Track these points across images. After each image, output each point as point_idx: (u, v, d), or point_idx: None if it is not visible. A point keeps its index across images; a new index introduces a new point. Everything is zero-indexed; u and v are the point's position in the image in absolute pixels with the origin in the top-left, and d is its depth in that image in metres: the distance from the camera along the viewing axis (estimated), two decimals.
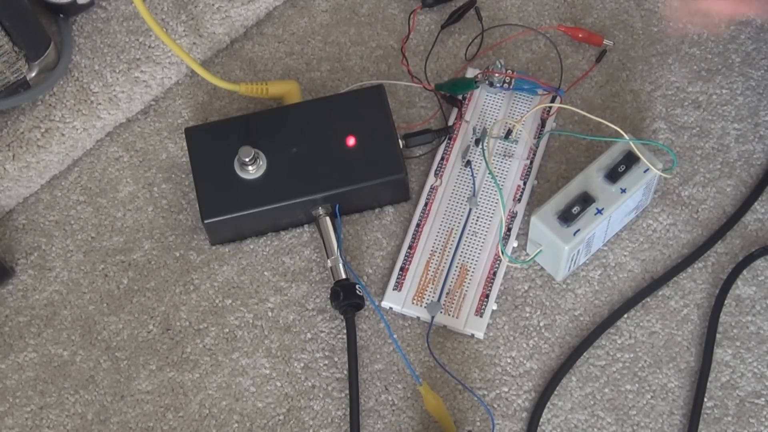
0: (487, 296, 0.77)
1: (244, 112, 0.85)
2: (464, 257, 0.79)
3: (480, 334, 0.76)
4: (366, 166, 0.79)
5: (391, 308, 0.78)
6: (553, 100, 0.83)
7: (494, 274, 0.78)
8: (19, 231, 0.83)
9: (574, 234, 0.73)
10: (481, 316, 0.76)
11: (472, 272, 0.78)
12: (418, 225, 0.80)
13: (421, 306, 0.77)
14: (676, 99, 0.84)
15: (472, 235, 0.79)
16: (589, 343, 0.76)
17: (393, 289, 0.78)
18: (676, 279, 0.78)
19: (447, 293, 0.77)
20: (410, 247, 0.79)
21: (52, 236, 0.82)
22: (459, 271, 0.78)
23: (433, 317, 0.76)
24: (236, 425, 0.75)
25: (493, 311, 0.77)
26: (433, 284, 0.78)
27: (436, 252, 0.79)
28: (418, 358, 0.77)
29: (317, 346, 0.77)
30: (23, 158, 0.82)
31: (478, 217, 0.80)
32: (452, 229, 0.80)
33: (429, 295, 0.77)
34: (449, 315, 0.77)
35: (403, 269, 0.78)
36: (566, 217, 0.73)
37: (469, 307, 0.77)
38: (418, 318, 0.78)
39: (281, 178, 0.78)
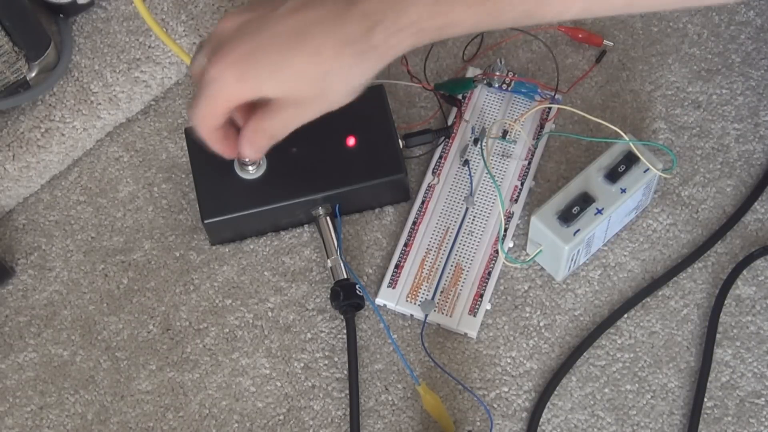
0: (482, 296, 0.77)
1: None
2: (459, 256, 0.78)
3: (473, 334, 0.76)
4: (366, 166, 0.79)
5: (385, 305, 0.78)
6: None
7: (489, 274, 0.78)
8: (19, 231, 0.83)
9: (574, 234, 0.73)
10: (474, 316, 0.76)
11: (467, 271, 0.78)
12: (414, 223, 0.80)
13: (415, 304, 0.77)
14: (676, 99, 0.84)
15: (468, 234, 0.79)
16: (589, 343, 0.76)
17: (387, 286, 0.78)
18: (676, 279, 0.78)
19: (441, 292, 0.77)
20: (406, 245, 0.79)
21: (52, 236, 0.82)
22: (454, 270, 0.78)
23: (426, 315, 0.76)
24: (236, 425, 0.75)
25: (491, 311, 0.77)
26: (427, 282, 0.78)
27: (431, 250, 0.79)
28: (418, 357, 0.77)
29: (317, 346, 0.77)
30: (23, 158, 0.82)
31: (474, 216, 0.80)
32: (448, 227, 0.80)
33: (423, 293, 0.77)
34: (443, 313, 0.77)
35: (398, 266, 0.78)
36: (566, 217, 0.73)
37: (463, 306, 0.77)
38: (412, 316, 0.78)
39: (281, 178, 0.78)
